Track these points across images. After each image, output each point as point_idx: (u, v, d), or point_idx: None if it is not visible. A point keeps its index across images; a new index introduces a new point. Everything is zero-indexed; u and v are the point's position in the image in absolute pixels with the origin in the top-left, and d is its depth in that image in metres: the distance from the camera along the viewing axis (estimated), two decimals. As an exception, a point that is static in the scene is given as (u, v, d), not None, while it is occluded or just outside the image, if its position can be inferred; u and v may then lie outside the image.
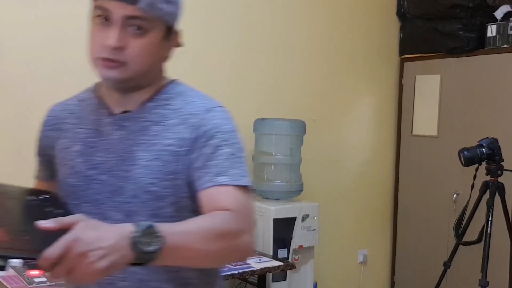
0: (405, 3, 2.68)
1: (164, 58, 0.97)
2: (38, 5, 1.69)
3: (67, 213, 0.77)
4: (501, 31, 2.45)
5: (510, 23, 2.43)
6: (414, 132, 2.78)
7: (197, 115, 0.95)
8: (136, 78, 0.93)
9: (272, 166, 2.33)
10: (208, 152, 0.92)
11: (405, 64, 2.77)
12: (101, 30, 0.89)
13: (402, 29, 2.75)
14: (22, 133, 1.77)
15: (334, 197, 2.71)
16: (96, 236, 0.70)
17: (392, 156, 2.92)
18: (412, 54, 2.71)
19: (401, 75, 2.80)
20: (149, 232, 0.73)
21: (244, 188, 0.90)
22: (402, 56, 2.78)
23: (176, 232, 0.77)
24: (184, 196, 0.93)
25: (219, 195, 0.89)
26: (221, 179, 0.89)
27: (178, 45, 0.98)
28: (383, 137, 2.88)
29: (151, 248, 0.72)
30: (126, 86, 0.94)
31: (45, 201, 0.87)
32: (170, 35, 0.95)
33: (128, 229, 0.73)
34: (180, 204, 0.93)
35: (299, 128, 2.33)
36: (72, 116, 1.03)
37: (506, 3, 2.50)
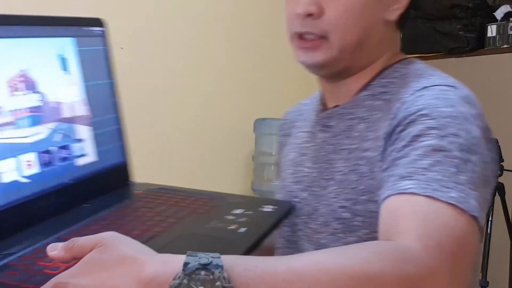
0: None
1: (384, 22, 0.71)
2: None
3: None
4: (501, 31, 2.44)
5: (510, 23, 2.43)
6: None
7: (402, 98, 0.67)
8: (343, 59, 0.70)
9: (272, 166, 2.34)
10: (402, 145, 0.61)
11: None
12: None
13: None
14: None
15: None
16: (95, 283, 0.43)
17: None
18: (412, 54, 2.74)
19: None
20: (204, 280, 0.41)
21: (454, 208, 0.52)
22: None
23: (267, 273, 0.43)
24: None
25: (398, 210, 0.54)
26: (405, 184, 0.55)
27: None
28: None
29: None
30: (332, 72, 0.73)
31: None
32: None
33: (163, 270, 0.43)
34: None
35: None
36: (300, 118, 0.86)
37: (506, 3, 2.49)
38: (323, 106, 0.80)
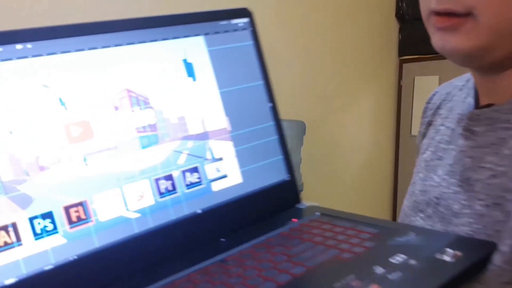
0: (404, 5, 2.59)
1: None
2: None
3: None
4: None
5: None
6: (413, 133, 2.68)
7: None
8: (497, 46, 0.52)
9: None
10: None
11: (404, 65, 2.66)
12: None
13: (401, 30, 2.66)
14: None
15: (333, 197, 2.57)
16: None
17: (391, 156, 2.80)
18: (411, 55, 2.64)
19: (400, 76, 2.69)
20: None
21: None
22: (401, 58, 2.66)
23: None
24: None
25: None
26: None
27: None
28: (382, 138, 2.78)
29: None
30: (482, 64, 0.56)
31: None
32: None
33: None
34: None
35: (299, 128, 2.18)
36: (446, 105, 0.69)
37: None
38: (475, 101, 0.60)
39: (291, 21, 2.53)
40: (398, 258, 0.48)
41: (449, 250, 0.48)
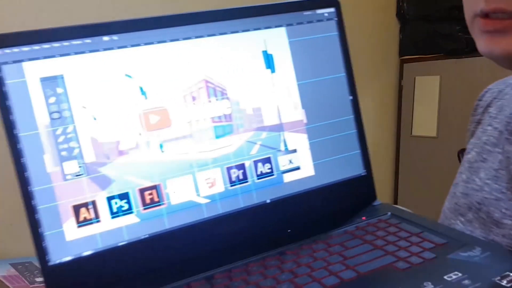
0: (405, 5, 2.58)
1: None
2: None
3: None
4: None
5: None
6: (414, 133, 2.68)
7: None
8: None
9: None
10: None
11: (405, 65, 2.64)
12: None
13: (401, 30, 2.66)
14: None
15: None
16: None
17: (391, 156, 2.75)
18: (411, 55, 2.63)
19: (400, 76, 2.67)
20: None
21: None
22: (402, 57, 2.63)
23: None
24: None
25: None
26: None
27: None
28: (383, 138, 2.72)
29: None
30: None
31: None
32: None
33: None
34: None
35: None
36: (497, 104, 0.67)
37: None
38: None
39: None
40: (453, 276, 0.46)
41: (511, 275, 0.45)
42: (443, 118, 2.76)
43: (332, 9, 0.67)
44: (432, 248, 0.52)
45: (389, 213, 0.63)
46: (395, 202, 3.15)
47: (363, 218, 0.63)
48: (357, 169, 0.67)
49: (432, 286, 0.45)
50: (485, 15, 0.50)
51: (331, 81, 0.66)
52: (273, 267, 0.53)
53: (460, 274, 0.46)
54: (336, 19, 0.67)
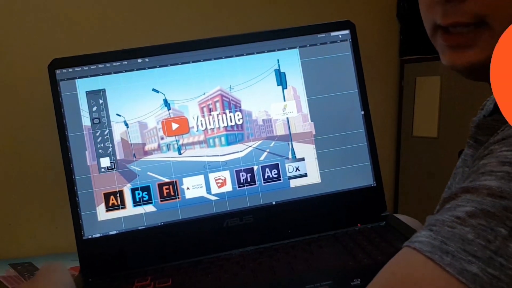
0: (406, 5, 2.25)
1: None
2: None
3: None
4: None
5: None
6: (415, 133, 2.40)
7: None
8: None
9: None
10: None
11: (406, 65, 2.32)
12: None
13: (402, 31, 2.33)
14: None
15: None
16: None
17: (392, 157, 2.43)
18: (412, 55, 2.30)
19: (401, 77, 2.35)
20: None
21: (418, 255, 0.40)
22: (403, 58, 2.30)
23: None
24: None
25: None
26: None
27: None
28: (383, 139, 2.32)
29: None
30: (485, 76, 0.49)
31: None
32: None
33: None
34: None
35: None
36: (481, 112, 0.68)
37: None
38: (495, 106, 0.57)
39: (291, 22, 2.32)
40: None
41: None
42: (443, 119, 2.63)
43: (346, 31, 0.72)
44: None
45: (384, 223, 0.66)
46: (396, 202, 2.90)
47: (359, 225, 0.67)
48: (366, 180, 0.71)
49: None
50: (446, 29, 0.51)
51: (343, 97, 0.72)
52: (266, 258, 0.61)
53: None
54: (350, 40, 0.72)
